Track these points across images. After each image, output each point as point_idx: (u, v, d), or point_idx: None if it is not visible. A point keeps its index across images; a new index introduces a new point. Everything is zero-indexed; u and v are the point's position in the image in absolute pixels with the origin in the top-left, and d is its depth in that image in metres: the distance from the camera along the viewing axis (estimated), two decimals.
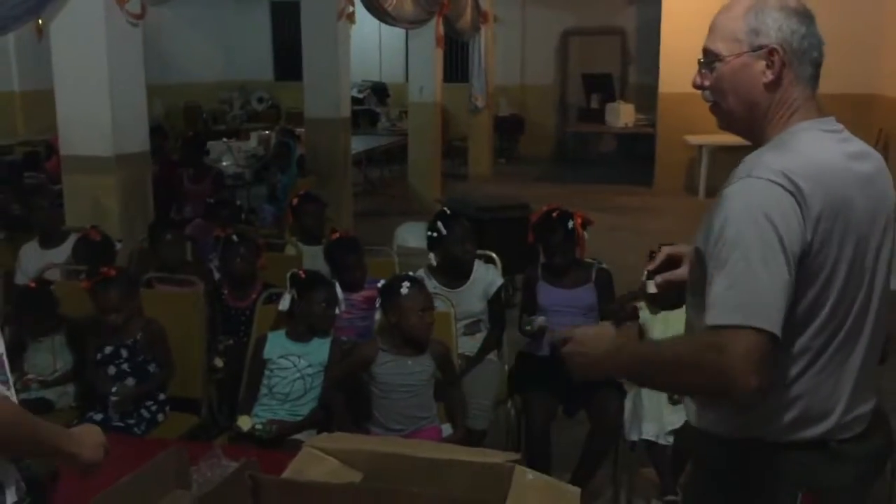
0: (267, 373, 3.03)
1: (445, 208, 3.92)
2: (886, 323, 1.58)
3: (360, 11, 7.25)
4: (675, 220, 8.10)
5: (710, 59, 1.57)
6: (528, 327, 3.36)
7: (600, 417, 3.24)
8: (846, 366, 1.52)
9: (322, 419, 2.98)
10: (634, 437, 3.16)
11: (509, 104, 13.25)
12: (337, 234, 3.83)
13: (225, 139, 9.08)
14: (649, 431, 3.12)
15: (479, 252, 3.81)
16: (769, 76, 1.52)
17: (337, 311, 3.16)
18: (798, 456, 1.51)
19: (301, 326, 3.09)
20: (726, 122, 1.61)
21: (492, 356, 3.58)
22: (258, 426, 2.84)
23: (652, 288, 1.68)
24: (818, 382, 1.49)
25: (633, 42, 12.79)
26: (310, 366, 3.01)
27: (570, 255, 3.45)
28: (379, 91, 13.39)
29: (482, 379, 3.38)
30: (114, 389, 3.00)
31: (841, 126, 1.57)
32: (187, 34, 12.65)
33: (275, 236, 5.08)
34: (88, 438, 1.58)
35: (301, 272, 3.19)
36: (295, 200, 4.64)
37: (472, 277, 3.59)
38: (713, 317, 1.39)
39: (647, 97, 11.34)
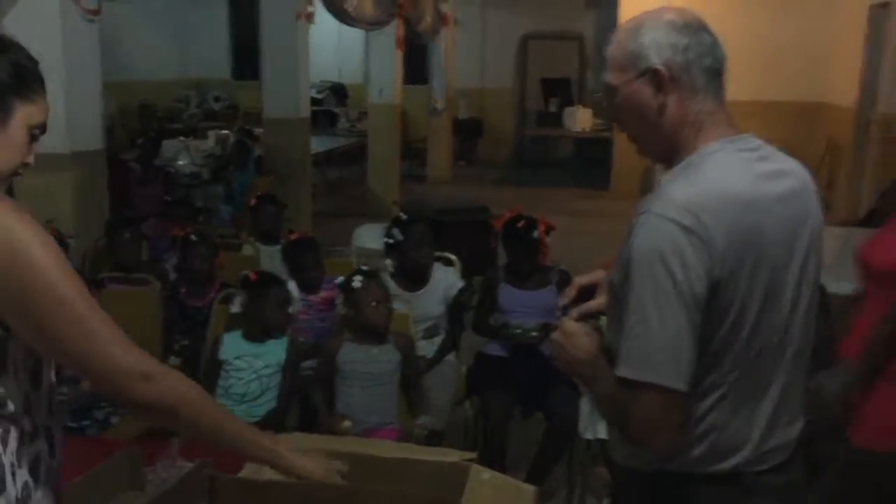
0: (223, 374, 3.02)
1: (401, 213, 3.93)
2: (817, 336, 1.55)
3: (321, 11, 7.23)
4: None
5: (608, 93, 1.53)
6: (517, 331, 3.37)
7: (556, 417, 3.28)
8: (763, 396, 1.47)
9: (279, 419, 2.98)
10: (590, 437, 3.20)
11: (469, 107, 13.30)
12: (295, 235, 3.83)
13: (181, 138, 8.96)
14: (605, 431, 3.16)
15: (439, 254, 3.83)
16: (660, 98, 1.47)
17: (291, 310, 3.17)
18: (711, 489, 1.48)
19: (255, 328, 3.08)
20: (642, 152, 1.57)
21: (450, 357, 3.60)
22: None
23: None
24: (730, 416, 1.45)
25: (592, 47, 12.93)
26: (266, 366, 3.01)
27: (536, 262, 3.50)
28: (338, 92, 13.33)
29: (440, 380, 3.41)
30: (64, 390, 2.95)
31: (758, 143, 1.51)
32: (143, 31, 12.46)
33: (232, 236, 5.05)
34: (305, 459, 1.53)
35: (251, 274, 3.18)
36: (253, 201, 4.63)
37: (431, 281, 3.60)
38: (619, 368, 1.39)
39: (605, 101, 11.46)
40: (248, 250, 4.39)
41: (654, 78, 1.46)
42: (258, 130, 8.19)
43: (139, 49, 12.41)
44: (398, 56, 9.68)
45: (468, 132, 13.24)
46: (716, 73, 1.47)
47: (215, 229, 5.47)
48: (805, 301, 1.49)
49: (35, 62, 1.41)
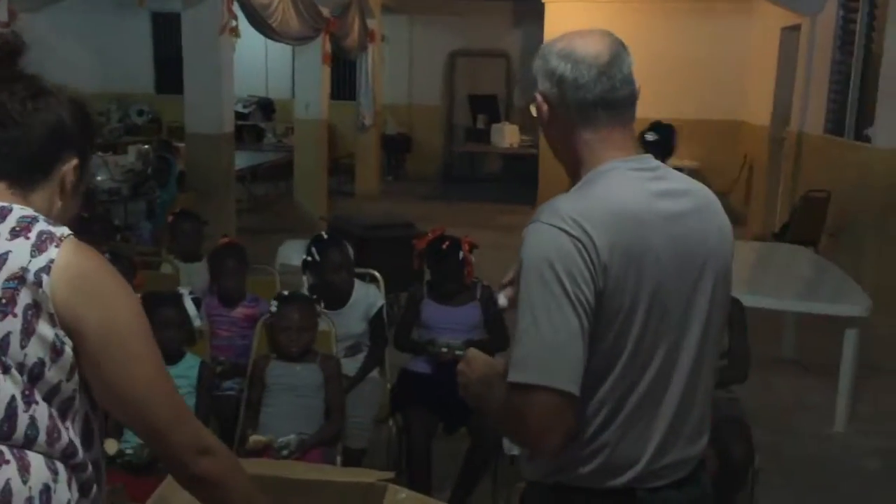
0: None
1: (323, 233, 3.89)
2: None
3: (246, 26, 7.14)
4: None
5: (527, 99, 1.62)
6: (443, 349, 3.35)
7: (480, 433, 3.28)
8: (656, 413, 1.47)
9: None
10: (515, 451, 3.22)
11: (397, 123, 13.31)
12: (227, 239, 3.81)
13: (101, 153, 8.71)
14: None
15: (362, 271, 3.80)
16: (544, 121, 1.54)
17: (197, 324, 3.14)
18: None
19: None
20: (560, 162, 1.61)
21: (374, 374, 3.57)
22: (128, 451, 2.74)
23: (502, 300, 1.66)
24: (622, 432, 1.45)
25: (518, 64, 13.11)
26: (178, 388, 2.93)
27: (460, 281, 3.51)
28: (265, 106, 13.18)
29: (363, 397, 3.38)
30: None
31: (656, 163, 1.52)
32: (63, 43, 12.10)
33: (152, 253, 4.92)
34: None
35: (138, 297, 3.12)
36: (171, 217, 4.53)
37: (352, 299, 3.58)
38: (510, 373, 1.38)
39: (530, 119, 11.62)
40: (167, 268, 4.29)
41: (540, 104, 1.54)
42: (180, 145, 8.03)
43: (60, 61, 12.00)
44: (325, 71, 9.64)
45: (396, 148, 13.24)
46: (595, 104, 1.47)
47: (135, 247, 5.33)
48: (703, 318, 1.48)
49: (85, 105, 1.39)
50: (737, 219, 9.83)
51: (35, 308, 1.19)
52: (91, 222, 4.98)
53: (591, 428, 1.45)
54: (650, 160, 1.52)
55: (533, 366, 1.36)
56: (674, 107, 10.14)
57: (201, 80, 6.87)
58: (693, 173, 11.57)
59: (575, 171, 1.53)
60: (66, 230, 1.26)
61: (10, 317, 1.18)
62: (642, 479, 1.47)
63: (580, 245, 1.36)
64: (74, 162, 1.32)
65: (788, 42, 8.73)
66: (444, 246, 3.51)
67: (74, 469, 1.27)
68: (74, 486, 1.27)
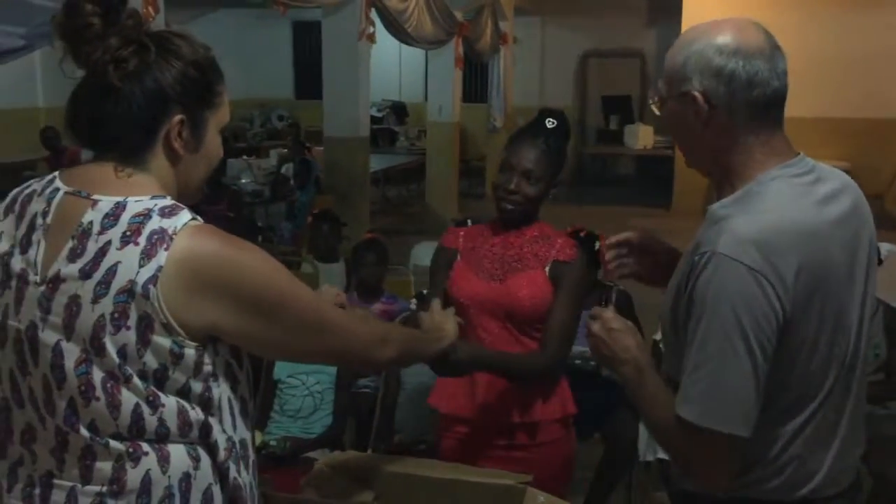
0: (278, 392, 3.06)
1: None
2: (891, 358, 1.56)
3: (381, 31, 7.31)
4: (692, 241, 8.06)
5: (659, 99, 1.48)
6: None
7: (615, 440, 3.21)
8: (838, 423, 1.45)
9: (335, 436, 2.99)
10: (650, 458, 3.13)
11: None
12: (370, 235, 3.92)
13: (245, 157, 9.14)
14: (663, 451, 3.09)
15: None
16: (699, 122, 1.40)
17: None
18: None
19: None
20: (689, 163, 1.51)
21: None
22: (272, 442, 2.85)
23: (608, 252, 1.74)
24: (810, 447, 1.42)
25: (653, 64, 12.79)
26: (318, 383, 3.03)
27: (594, 275, 3.44)
28: (398, 110, 13.45)
29: None
30: None
31: (812, 164, 1.43)
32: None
33: (292, 254, 5.10)
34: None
35: None
36: (310, 219, 4.67)
37: None
38: (684, 410, 1.35)
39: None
40: (307, 268, 4.44)
41: (693, 103, 1.39)
42: (318, 148, 8.29)
43: None
44: (457, 75, 9.73)
45: None
46: (767, 104, 1.38)
47: (276, 247, 5.54)
48: (867, 319, 1.45)
49: (208, 50, 1.31)
50: (892, 223, 9.23)
51: (147, 320, 1.17)
52: (236, 223, 5.25)
53: (781, 444, 1.41)
54: (807, 161, 1.43)
55: (705, 408, 1.33)
56: (821, 105, 9.64)
57: (339, 86, 7.08)
58: None
59: (721, 174, 1.44)
60: (181, 220, 1.20)
61: (123, 329, 1.17)
62: (820, 488, 1.44)
63: (765, 281, 1.30)
64: (178, 118, 1.25)
65: None
66: (581, 234, 3.46)
67: (214, 451, 1.28)
68: (217, 471, 1.29)
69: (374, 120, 10.50)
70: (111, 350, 1.18)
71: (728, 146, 1.41)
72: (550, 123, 2.16)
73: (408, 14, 7.31)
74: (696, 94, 1.39)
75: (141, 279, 1.17)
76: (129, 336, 1.17)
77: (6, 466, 1.28)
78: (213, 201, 6.45)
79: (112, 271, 1.17)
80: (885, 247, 3.20)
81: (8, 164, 8.38)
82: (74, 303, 1.18)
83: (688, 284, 1.37)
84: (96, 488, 1.22)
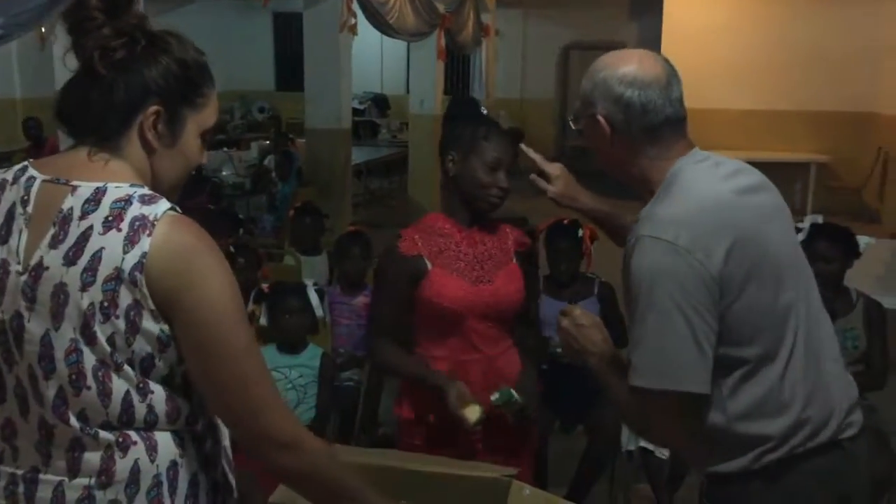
0: None
1: None
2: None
3: (363, 23, 7.27)
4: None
5: (574, 117, 1.66)
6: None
7: (598, 430, 3.23)
8: (820, 367, 1.57)
9: (319, 429, 2.98)
10: (632, 447, 3.15)
11: (510, 117, 13.28)
12: (353, 227, 3.92)
13: (225, 149, 9.08)
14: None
15: None
16: (606, 141, 1.58)
17: (320, 314, 3.18)
18: (819, 460, 1.54)
19: (281, 339, 3.08)
20: (610, 175, 1.67)
21: None
22: None
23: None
24: (810, 388, 1.54)
25: None
26: (301, 376, 3.02)
27: (576, 265, 3.44)
28: (380, 102, 13.42)
29: None
30: None
31: (706, 154, 1.61)
32: None
33: (274, 246, 5.08)
34: None
35: (264, 287, 3.19)
36: (292, 211, 4.66)
37: None
38: (636, 380, 1.48)
39: None
40: (289, 261, 4.42)
41: (598, 125, 1.58)
42: (300, 140, 8.26)
43: None
44: (439, 67, 9.71)
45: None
46: (660, 127, 1.55)
47: (258, 239, 5.51)
48: (811, 276, 1.61)
49: (201, 54, 1.31)
50: (870, 216, 9.32)
51: (136, 307, 1.18)
52: (217, 216, 5.20)
53: (787, 394, 1.51)
54: (702, 152, 1.61)
55: (654, 372, 1.46)
56: (799, 97, 9.71)
57: (321, 77, 7.05)
58: (822, 167, 10.99)
59: (644, 186, 1.60)
60: (161, 208, 1.20)
61: (113, 318, 1.17)
62: (841, 429, 1.56)
63: (686, 252, 1.44)
64: (154, 108, 1.24)
65: None
66: (565, 222, 3.46)
67: (200, 440, 1.30)
68: (200, 459, 1.31)
69: (355, 112, 10.46)
70: (101, 338, 1.18)
71: (634, 160, 1.59)
72: (497, 117, 2.25)
73: (390, 5, 7.28)
74: (600, 117, 1.57)
75: (127, 266, 1.17)
76: (119, 324, 1.18)
77: None
78: (194, 194, 6.42)
79: (97, 257, 1.17)
80: (863, 239, 3.22)
81: None
82: (61, 291, 1.18)
83: (624, 272, 1.52)
84: (84, 481, 1.22)
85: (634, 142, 1.56)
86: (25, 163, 1.28)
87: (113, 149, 1.25)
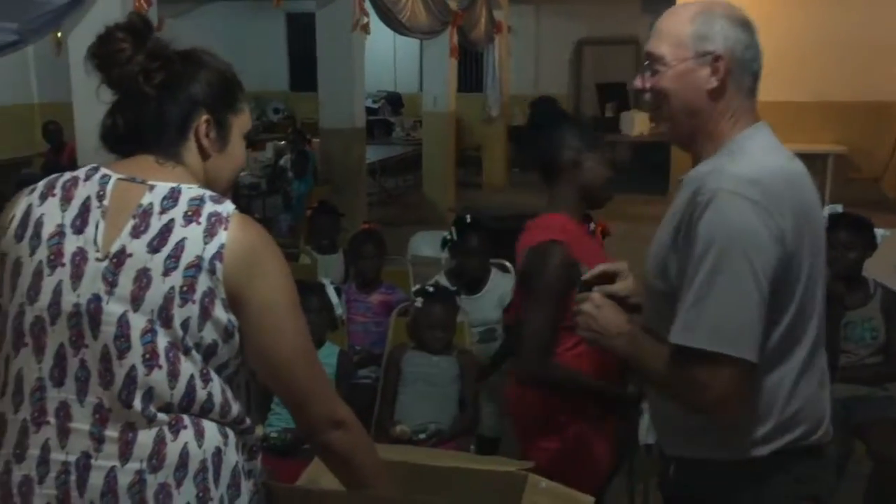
0: None
1: (468, 216, 3.90)
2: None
3: (375, 22, 7.29)
4: (670, 208, 8.08)
5: (653, 62, 1.53)
6: None
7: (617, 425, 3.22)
8: (824, 368, 1.55)
9: None
10: (650, 440, 3.14)
11: (524, 114, 13.24)
12: (367, 225, 3.93)
13: None
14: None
15: (495, 261, 3.81)
16: (713, 83, 1.49)
17: (339, 312, 3.21)
18: (811, 462, 1.52)
19: None
20: (667, 127, 1.58)
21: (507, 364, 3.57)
22: (273, 434, 2.85)
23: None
24: (813, 381, 1.52)
25: None
26: None
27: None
28: (393, 101, 13.43)
29: (496, 386, 3.38)
30: None
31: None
32: (203, 45, 12.75)
33: (290, 245, 5.10)
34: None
35: None
36: (309, 210, 4.68)
37: (487, 286, 3.59)
38: (687, 338, 1.39)
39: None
40: (305, 259, 4.44)
41: (714, 63, 1.48)
42: (315, 140, 8.28)
43: None
44: (452, 64, 9.71)
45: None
46: (758, 78, 1.53)
47: (275, 239, 5.54)
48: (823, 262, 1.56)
49: (230, 66, 1.45)
50: (889, 206, 9.23)
51: (210, 294, 1.28)
52: None
53: (789, 382, 1.48)
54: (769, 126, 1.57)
55: (716, 334, 1.37)
56: (816, 88, 9.61)
57: (334, 77, 7.06)
58: (840, 158, 10.88)
59: (708, 143, 1.53)
60: (230, 207, 1.32)
61: (189, 303, 1.27)
62: (825, 435, 1.54)
63: (767, 215, 1.38)
64: (205, 117, 1.37)
65: None
66: None
67: (243, 433, 1.38)
68: (242, 450, 1.39)
69: (369, 111, 10.48)
70: (176, 321, 1.26)
71: (724, 109, 1.51)
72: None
73: (402, 4, 7.29)
74: (722, 54, 1.47)
75: (207, 255, 1.27)
76: (193, 309, 1.27)
77: (36, 454, 1.29)
78: None
79: (180, 246, 1.27)
80: (879, 231, 3.21)
81: (4, 160, 8.37)
82: (144, 275, 1.26)
83: (690, 226, 1.43)
84: (136, 465, 1.27)
85: (737, 88, 1.50)
86: (94, 165, 1.37)
87: (176, 157, 1.37)
